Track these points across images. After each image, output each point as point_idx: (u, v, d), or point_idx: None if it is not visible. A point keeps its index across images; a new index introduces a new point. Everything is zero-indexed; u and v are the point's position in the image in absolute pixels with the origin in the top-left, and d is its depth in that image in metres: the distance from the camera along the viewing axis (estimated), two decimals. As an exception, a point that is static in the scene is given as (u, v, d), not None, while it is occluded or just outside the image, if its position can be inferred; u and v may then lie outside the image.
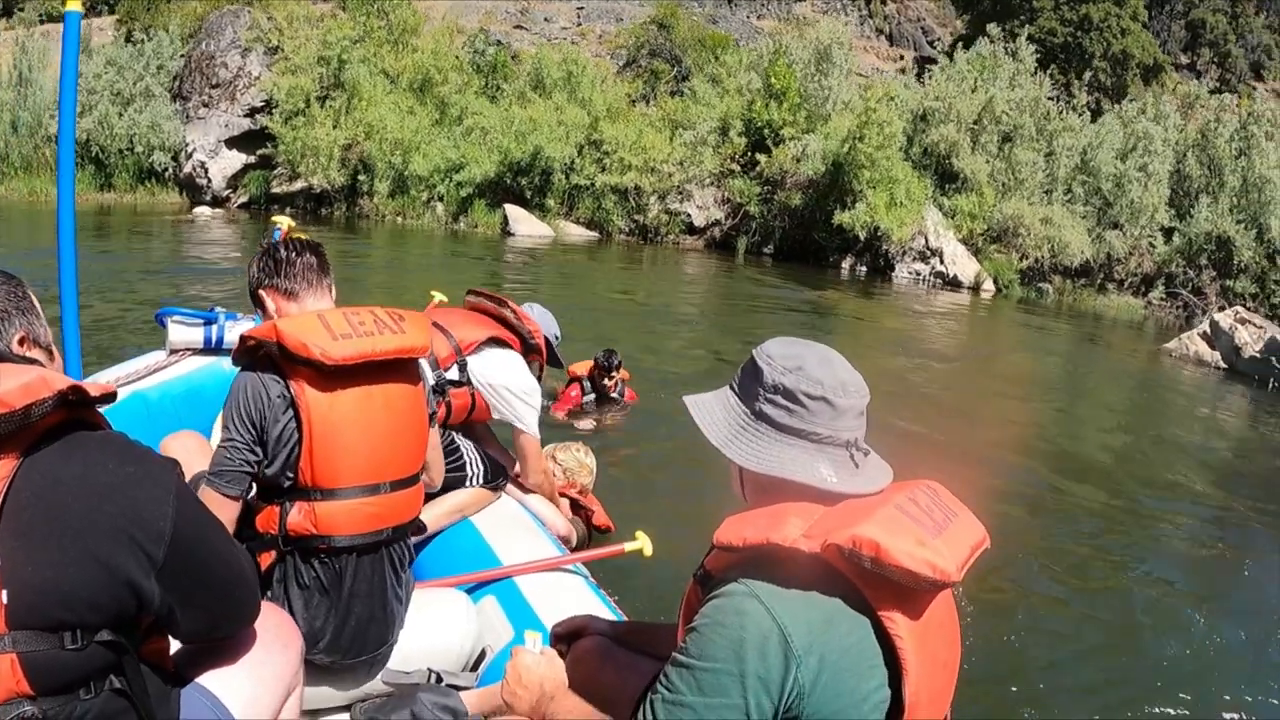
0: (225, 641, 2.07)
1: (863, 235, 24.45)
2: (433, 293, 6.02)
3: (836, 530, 1.61)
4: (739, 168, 27.19)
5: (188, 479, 1.98)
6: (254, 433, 2.59)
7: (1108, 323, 23.38)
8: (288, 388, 2.58)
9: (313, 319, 2.60)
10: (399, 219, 26.64)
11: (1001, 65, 29.28)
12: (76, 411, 1.68)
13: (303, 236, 3.02)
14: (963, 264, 25.16)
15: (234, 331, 4.89)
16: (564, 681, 2.25)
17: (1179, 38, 50.88)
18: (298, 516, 2.64)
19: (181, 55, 29.60)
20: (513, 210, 26.00)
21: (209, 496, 2.57)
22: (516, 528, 3.87)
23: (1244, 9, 53.17)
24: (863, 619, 1.62)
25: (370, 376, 2.65)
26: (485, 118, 27.46)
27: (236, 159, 27.59)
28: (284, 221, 5.34)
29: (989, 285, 25.17)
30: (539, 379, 4.30)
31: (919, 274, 24.99)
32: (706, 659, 1.61)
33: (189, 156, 27.28)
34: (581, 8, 39.90)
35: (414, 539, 3.38)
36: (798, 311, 17.32)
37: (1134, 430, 11.49)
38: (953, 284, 24.73)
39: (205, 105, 27.75)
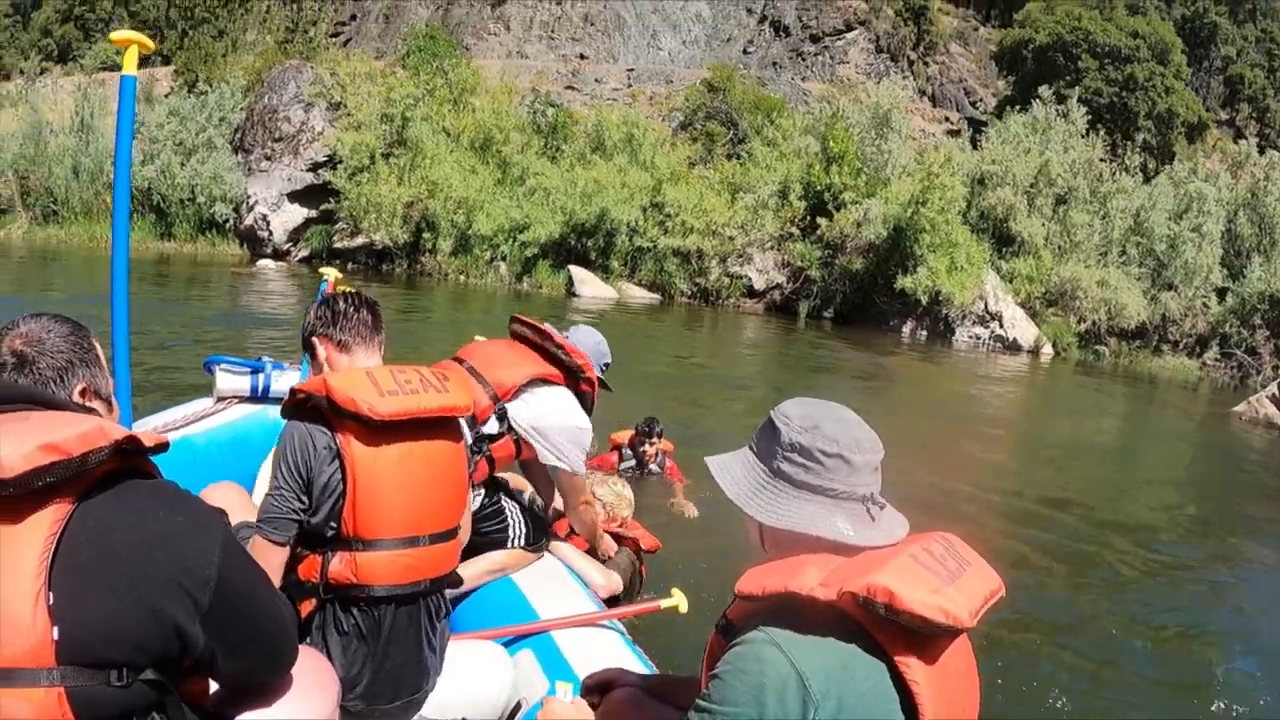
0: (263, 684, 2.12)
1: (924, 300, 24.63)
2: (477, 337, 6.00)
3: (852, 579, 1.65)
4: (798, 231, 27.37)
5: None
6: (301, 481, 2.66)
7: (1165, 385, 23.41)
8: (334, 440, 2.65)
9: (361, 375, 2.69)
10: (462, 278, 26.75)
11: (1053, 127, 29.58)
12: (130, 460, 1.74)
13: (348, 289, 3.08)
14: (1022, 327, 25.27)
15: (280, 381, 4.98)
16: None
17: (1218, 94, 51.05)
18: (339, 566, 2.71)
19: (242, 108, 29.98)
20: (577, 271, 26.19)
21: (258, 544, 2.66)
22: (555, 583, 3.88)
23: (1282, 64, 53.38)
24: (879, 664, 1.66)
25: (414, 433, 2.73)
26: (547, 178, 27.72)
27: (298, 213, 27.82)
28: (331, 273, 5.39)
29: (1048, 349, 25.30)
30: (590, 412, 4.18)
31: (979, 338, 25.13)
32: (728, 704, 1.66)
33: (250, 209, 27.52)
34: (632, 69, 40.21)
35: (452, 592, 3.46)
36: (859, 377, 17.38)
37: (1206, 494, 11.55)
38: (1012, 348, 24.84)
39: (268, 158, 28.11)
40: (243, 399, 4.93)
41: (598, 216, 26.29)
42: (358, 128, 27.58)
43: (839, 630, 1.66)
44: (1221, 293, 27.70)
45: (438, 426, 2.82)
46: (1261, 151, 33.79)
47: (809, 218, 27.17)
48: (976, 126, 34.83)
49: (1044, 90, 31.37)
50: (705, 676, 1.84)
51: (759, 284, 27.42)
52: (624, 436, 7.75)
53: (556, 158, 29.64)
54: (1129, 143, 32.98)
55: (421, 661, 2.90)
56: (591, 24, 43.71)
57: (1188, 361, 26.54)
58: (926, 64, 46.72)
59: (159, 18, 42.43)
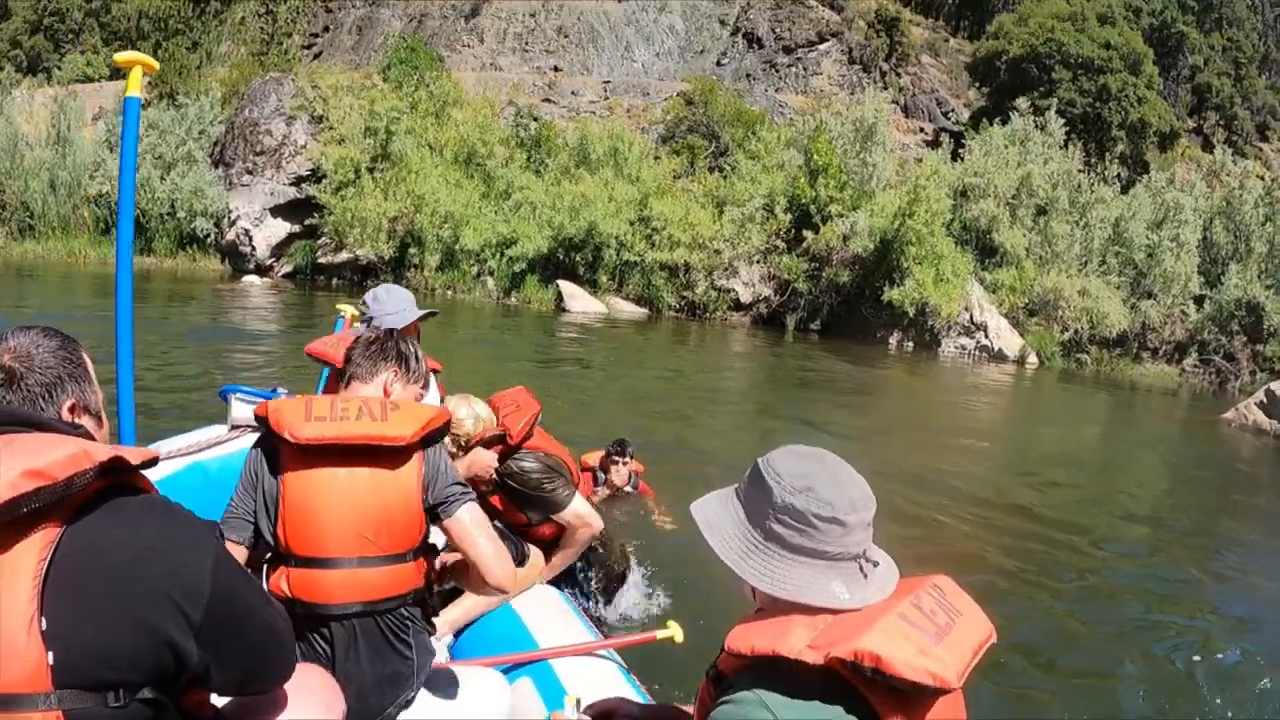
0: (267, 698, 2.14)
1: (912, 311, 24.97)
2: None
3: (839, 643, 1.64)
4: (783, 244, 27.59)
5: None
6: (251, 487, 2.83)
7: (1146, 391, 23.98)
8: (277, 456, 2.81)
9: (299, 402, 2.84)
10: (449, 293, 26.74)
11: (1032, 139, 30.07)
12: (120, 478, 1.73)
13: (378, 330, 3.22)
14: (1007, 338, 25.69)
15: None
16: None
17: (1186, 102, 51.77)
18: (277, 579, 2.80)
19: (220, 121, 29.86)
20: (567, 286, 26.28)
21: None
22: (553, 613, 4.04)
23: (1248, 71, 54.22)
24: None
25: (341, 458, 2.79)
26: (533, 192, 27.80)
27: (281, 228, 27.73)
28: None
29: (1032, 358, 25.75)
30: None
31: (964, 348, 25.53)
32: None
33: (232, 224, 27.43)
34: (608, 81, 40.23)
35: (452, 616, 3.67)
36: (849, 390, 17.58)
37: (1206, 500, 11.80)
38: (998, 358, 25.23)
39: (249, 172, 28.01)
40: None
41: (586, 230, 26.40)
42: (340, 141, 27.51)
43: (828, 691, 1.65)
44: (1199, 300, 28.27)
45: (370, 454, 2.83)
46: (1235, 161, 34.42)
47: (794, 230, 27.40)
48: (952, 137, 35.13)
49: (1021, 102, 31.82)
50: None
51: (745, 297, 27.61)
52: (594, 458, 7.64)
53: (540, 171, 29.72)
54: (1106, 153, 33.30)
55: (388, 675, 2.93)
56: (565, 36, 43.73)
57: (1167, 368, 27.15)
58: (899, 75, 47.00)
59: (130, 29, 42.12)
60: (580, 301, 25.89)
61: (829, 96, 40.01)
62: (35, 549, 1.59)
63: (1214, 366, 26.91)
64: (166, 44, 39.27)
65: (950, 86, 48.88)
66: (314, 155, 27.53)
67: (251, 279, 25.73)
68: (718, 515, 1.90)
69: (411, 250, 26.90)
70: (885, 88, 43.11)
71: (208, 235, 27.84)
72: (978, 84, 45.69)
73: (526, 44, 43.46)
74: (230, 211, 27.50)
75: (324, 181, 27.00)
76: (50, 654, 1.55)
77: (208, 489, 4.57)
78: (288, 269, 27.70)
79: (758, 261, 27.78)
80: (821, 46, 45.33)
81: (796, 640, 1.68)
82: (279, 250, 27.95)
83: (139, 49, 34.07)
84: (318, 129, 28.41)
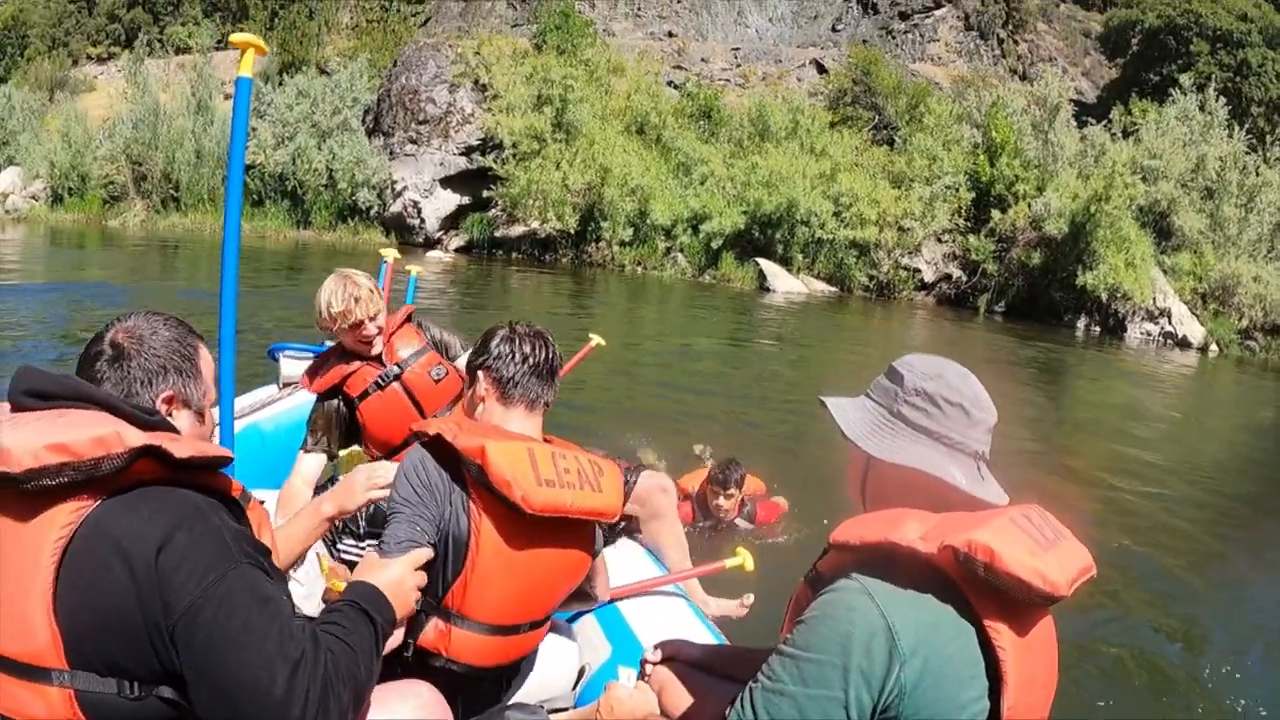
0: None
1: (1105, 296, 26.32)
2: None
3: (953, 534, 1.71)
4: (965, 223, 28.89)
5: None
6: (432, 512, 2.56)
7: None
8: (469, 506, 2.55)
9: (523, 453, 2.56)
10: (639, 268, 27.53)
11: (1194, 118, 31.37)
12: (193, 475, 1.79)
13: (515, 325, 2.88)
14: (1189, 324, 27.07)
15: None
16: (655, 710, 2.46)
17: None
18: (431, 634, 2.61)
19: (370, 90, 30.66)
20: (768, 265, 27.18)
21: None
22: (619, 550, 4.05)
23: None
24: (968, 627, 1.72)
25: (554, 529, 2.64)
26: (716, 165, 28.65)
27: (451, 199, 28.41)
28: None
29: (1214, 346, 27.05)
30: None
31: (1149, 334, 26.92)
32: (812, 650, 1.72)
33: (397, 195, 28.07)
34: (737, 49, 41.29)
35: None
36: (1048, 378, 18.14)
37: None
38: (1182, 345, 26.59)
39: (413, 142, 28.72)
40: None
41: (785, 207, 27.21)
42: (508, 110, 27.99)
43: (933, 588, 1.73)
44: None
45: (579, 526, 2.75)
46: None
47: (974, 209, 28.72)
48: (1081, 109, 35.88)
49: (1184, 79, 33.07)
50: (789, 623, 1.96)
51: (929, 276, 28.94)
52: (694, 482, 6.45)
53: (711, 142, 30.48)
54: (1267, 135, 34.23)
55: (499, 704, 2.92)
56: (679, 0, 44.99)
57: (1331, 353, 28.28)
58: (1016, 42, 48.08)
59: None
60: (782, 281, 26.80)
61: (948, 63, 41.28)
62: (58, 524, 1.66)
63: (1377, 351, 28.14)
64: (284, 11, 40.46)
65: (1067, 54, 49.90)
66: (487, 124, 28.10)
67: (436, 254, 26.46)
68: (846, 404, 2.08)
69: (603, 224, 27.57)
70: (1003, 55, 44.40)
71: (370, 207, 28.32)
72: (1107, 54, 46.76)
73: (639, 9, 44.44)
74: (395, 182, 28.03)
75: (503, 152, 27.53)
76: (62, 631, 1.63)
77: (263, 450, 4.83)
78: (460, 242, 28.29)
79: (943, 240, 29.06)
80: (938, 12, 46.47)
81: (910, 531, 1.77)
82: (448, 223, 28.61)
83: (248, 17, 34.44)
84: (482, 97, 29.01)
